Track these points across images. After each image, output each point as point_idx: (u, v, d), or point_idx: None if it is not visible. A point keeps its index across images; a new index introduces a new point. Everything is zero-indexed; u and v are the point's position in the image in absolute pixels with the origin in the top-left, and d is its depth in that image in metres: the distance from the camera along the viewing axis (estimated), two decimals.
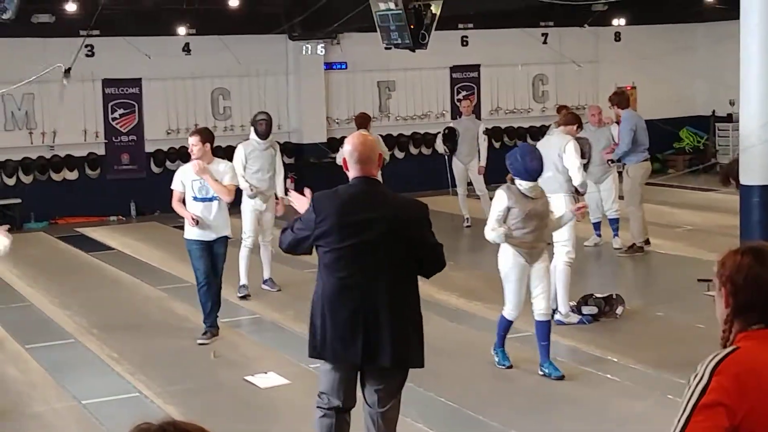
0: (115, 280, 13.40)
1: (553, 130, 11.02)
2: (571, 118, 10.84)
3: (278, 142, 12.87)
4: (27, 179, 18.04)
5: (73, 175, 18.38)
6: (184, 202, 10.00)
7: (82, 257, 15.07)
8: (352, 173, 5.82)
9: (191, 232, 9.93)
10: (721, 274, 3.22)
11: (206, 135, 10.00)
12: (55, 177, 18.18)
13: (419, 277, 5.95)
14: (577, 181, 10.36)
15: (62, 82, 16.17)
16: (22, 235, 16.18)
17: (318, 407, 6.01)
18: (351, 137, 5.96)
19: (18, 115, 17.82)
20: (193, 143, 9.89)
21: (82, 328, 10.86)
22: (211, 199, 9.89)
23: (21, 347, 10.16)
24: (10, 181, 17.91)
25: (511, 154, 8.44)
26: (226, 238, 10.03)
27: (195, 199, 9.92)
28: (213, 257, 9.97)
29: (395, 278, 5.75)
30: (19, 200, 17.79)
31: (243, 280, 11.83)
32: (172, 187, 10.10)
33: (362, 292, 5.72)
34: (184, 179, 9.99)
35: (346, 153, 5.82)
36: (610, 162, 13.83)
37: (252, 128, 11.97)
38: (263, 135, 11.84)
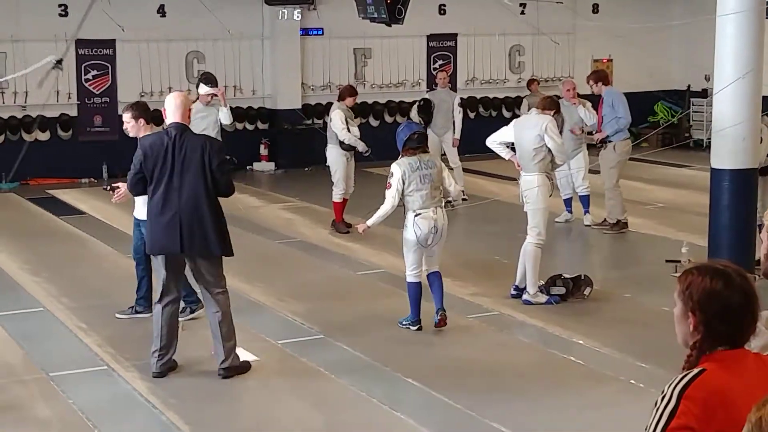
0: (85, 246, 13.35)
1: (532, 111, 10.99)
2: (550, 103, 10.78)
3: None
4: None
5: (45, 136, 18.26)
6: None
7: (53, 221, 14.99)
8: (170, 120, 8.02)
9: None
10: (688, 298, 3.15)
11: (138, 110, 9.32)
12: (27, 137, 18.02)
13: None
14: (561, 159, 10.43)
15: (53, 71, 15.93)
16: None
17: (161, 300, 8.12)
18: (174, 95, 8.27)
19: None
20: (126, 120, 9.34)
21: (51, 296, 10.81)
22: None
23: None
24: None
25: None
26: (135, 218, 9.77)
27: None
28: None
29: (200, 190, 7.91)
30: None
31: None
32: None
33: (179, 201, 7.89)
34: None
35: (168, 105, 8.05)
36: (604, 142, 13.60)
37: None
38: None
